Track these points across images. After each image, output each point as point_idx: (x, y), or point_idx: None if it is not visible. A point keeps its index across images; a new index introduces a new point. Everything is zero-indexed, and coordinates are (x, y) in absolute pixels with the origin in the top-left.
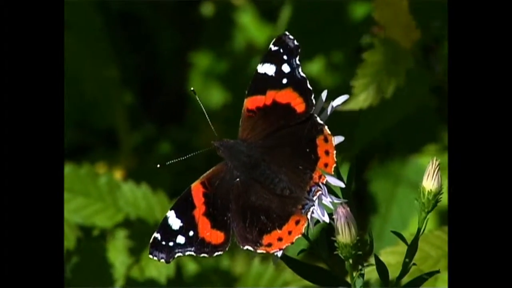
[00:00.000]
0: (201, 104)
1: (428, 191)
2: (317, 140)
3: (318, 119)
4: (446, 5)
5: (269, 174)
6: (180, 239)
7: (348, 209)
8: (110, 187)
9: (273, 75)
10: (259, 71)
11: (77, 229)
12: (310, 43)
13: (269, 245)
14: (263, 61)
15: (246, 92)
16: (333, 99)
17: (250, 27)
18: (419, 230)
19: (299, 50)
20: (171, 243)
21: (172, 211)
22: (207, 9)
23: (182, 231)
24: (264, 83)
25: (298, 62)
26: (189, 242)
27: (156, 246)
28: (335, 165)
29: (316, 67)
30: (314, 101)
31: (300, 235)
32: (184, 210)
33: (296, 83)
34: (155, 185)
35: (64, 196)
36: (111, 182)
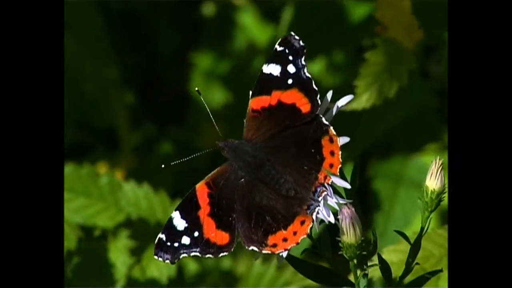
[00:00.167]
0: (205, 104)
1: (432, 190)
2: (323, 140)
3: (323, 119)
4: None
5: (274, 174)
6: (185, 240)
7: (353, 209)
8: (111, 187)
9: (279, 75)
10: (264, 71)
11: (78, 229)
12: (312, 44)
13: (274, 245)
14: (269, 62)
15: (251, 92)
16: (335, 99)
17: (251, 27)
18: (422, 229)
19: (305, 51)
20: (176, 244)
21: (177, 212)
22: (208, 9)
23: (187, 231)
24: (270, 84)
25: (303, 62)
26: (194, 242)
27: (161, 247)
28: (340, 165)
29: (317, 67)
30: (319, 101)
31: (305, 236)
32: (189, 210)
33: (301, 83)
34: (156, 185)
35: (65, 196)
36: (113, 182)
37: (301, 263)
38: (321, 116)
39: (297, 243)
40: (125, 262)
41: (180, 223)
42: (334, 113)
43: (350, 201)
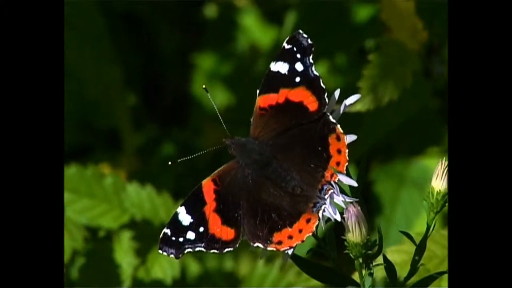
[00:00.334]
0: (212, 102)
1: (437, 191)
2: (330, 138)
3: (330, 117)
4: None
5: (280, 172)
6: (190, 235)
7: (359, 208)
8: (115, 188)
9: (286, 73)
10: (272, 69)
11: (83, 230)
12: (315, 46)
13: (279, 242)
14: (276, 59)
15: (258, 90)
16: (339, 101)
17: (253, 28)
18: (427, 229)
19: (313, 49)
20: (181, 239)
21: (183, 207)
22: (210, 11)
23: (192, 227)
24: (277, 81)
25: (311, 60)
26: (199, 238)
27: (166, 242)
28: (347, 163)
29: (320, 69)
30: (327, 99)
31: (310, 234)
32: (195, 206)
33: (309, 81)
34: (159, 186)
35: (69, 198)
36: (117, 183)
37: (306, 263)
38: (328, 114)
39: (303, 241)
40: (131, 263)
41: (185, 218)
42: (341, 111)
43: (356, 199)
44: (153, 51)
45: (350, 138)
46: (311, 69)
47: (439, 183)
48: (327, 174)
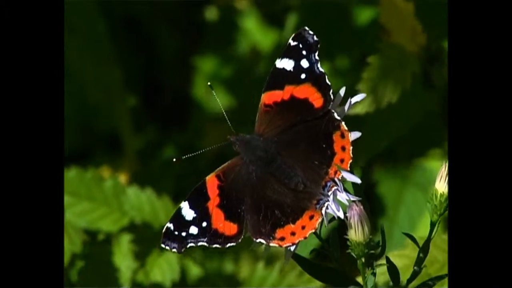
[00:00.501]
0: (217, 99)
1: (441, 194)
2: (334, 135)
3: (335, 114)
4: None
5: (285, 168)
6: (193, 230)
7: (362, 207)
8: (115, 191)
9: (292, 70)
10: (277, 66)
11: (82, 233)
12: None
13: (282, 239)
14: (282, 56)
15: (264, 87)
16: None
17: (254, 31)
18: (431, 232)
19: (318, 46)
20: (183, 233)
21: (186, 202)
22: (211, 13)
23: (196, 221)
24: (282, 78)
25: (317, 57)
26: (202, 232)
27: (168, 236)
28: (351, 161)
29: None
30: (332, 96)
31: (313, 230)
32: (198, 201)
33: (314, 78)
34: (159, 189)
35: (69, 200)
36: (116, 186)
37: (308, 263)
38: (333, 111)
39: (305, 238)
40: (130, 266)
41: (188, 213)
42: (346, 109)
43: (359, 198)
44: (153, 53)
45: (354, 135)
46: (317, 66)
47: (442, 185)
48: (331, 171)
